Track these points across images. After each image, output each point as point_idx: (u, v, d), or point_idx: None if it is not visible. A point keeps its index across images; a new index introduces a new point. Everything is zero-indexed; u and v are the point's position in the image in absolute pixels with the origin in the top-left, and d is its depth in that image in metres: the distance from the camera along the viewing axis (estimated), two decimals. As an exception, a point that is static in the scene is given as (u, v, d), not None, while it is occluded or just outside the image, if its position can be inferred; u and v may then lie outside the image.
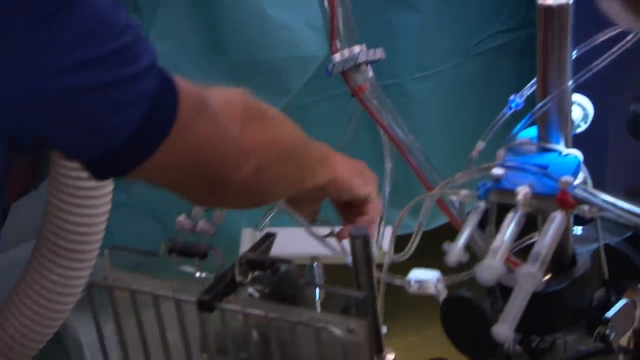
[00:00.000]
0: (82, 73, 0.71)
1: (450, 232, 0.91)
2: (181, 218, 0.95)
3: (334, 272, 1.20)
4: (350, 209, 1.07)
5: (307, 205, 1.07)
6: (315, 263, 1.27)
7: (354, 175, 1.01)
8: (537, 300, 0.90)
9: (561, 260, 0.95)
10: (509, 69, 1.62)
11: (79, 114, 0.73)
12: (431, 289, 0.99)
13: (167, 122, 0.78)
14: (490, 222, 0.89)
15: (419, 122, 1.53)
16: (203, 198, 0.92)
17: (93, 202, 1.07)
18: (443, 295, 0.97)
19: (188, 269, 0.93)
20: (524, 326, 0.91)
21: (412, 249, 1.05)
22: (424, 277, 1.00)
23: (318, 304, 1.21)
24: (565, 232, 0.94)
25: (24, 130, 0.74)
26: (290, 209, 1.14)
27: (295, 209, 1.08)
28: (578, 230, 1.00)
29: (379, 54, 1.13)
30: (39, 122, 0.73)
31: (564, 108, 0.92)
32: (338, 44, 1.12)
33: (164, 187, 0.87)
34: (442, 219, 1.06)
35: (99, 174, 0.80)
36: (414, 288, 1.00)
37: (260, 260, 0.88)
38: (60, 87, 0.71)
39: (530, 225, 0.92)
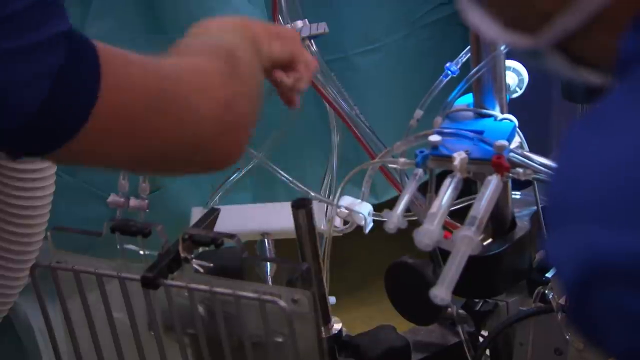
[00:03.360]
0: None
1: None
2: (112, 198, 0.95)
3: (286, 247, 1.20)
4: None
5: None
6: (266, 238, 1.27)
7: (270, 40, 0.88)
8: (479, 263, 0.92)
9: (501, 224, 0.97)
10: (455, 40, 1.63)
11: None
12: (359, 220, 1.00)
13: (90, 84, 0.68)
14: (430, 188, 0.90)
15: (366, 95, 1.53)
16: (174, 166, 0.82)
17: (36, 185, 1.07)
18: (368, 227, 0.98)
19: (132, 247, 0.93)
20: (467, 290, 0.93)
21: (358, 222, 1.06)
22: (355, 207, 1.01)
23: (269, 278, 1.22)
24: (504, 196, 0.95)
25: None
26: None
27: None
28: (517, 195, 1.02)
29: (322, 28, 1.14)
30: None
31: (497, 74, 0.93)
32: (280, 19, 1.13)
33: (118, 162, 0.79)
34: (395, 191, 1.07)
35: (22, 150, 0.71)
36: (342, 214, 1.01)
37: (204, 236, 0.88)
38: None
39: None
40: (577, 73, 0.56)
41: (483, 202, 0.81)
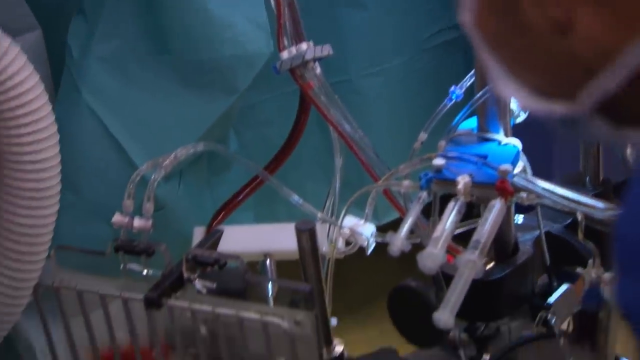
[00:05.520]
0: None
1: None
2: (116, 217, 0.95)
3: (287, 268, 1.20)
4: None
5: None
6: (268, 259, 1.27)
7: None
8: (481, 287, 0.92)
9: (504, 248, 0.97)
10: (459, 64, 1.63)
11: None
12: (362, 242, 1.00)
13: None
14: (433, 212, 0.90)
15: (370, 118, 1.53)
16: None
17: (40, 204, 1.07)
18: (370, 248, 0.99)
19: (136, 267, 0.93)
20: (469, 313, 0.93)
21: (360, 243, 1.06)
22: (358, 229, 1.01)
23: (271, 299, 1.22)
24: (507, 221, 0.96)
25: None
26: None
27: None
28: (520, 218, 1.02)
29: (326, 50, 1.14)
30: None
31: (502, 98, 0.94)
32: (285, 41, 1.13)
33: None
34: (397, 213, 1.08)
35: None
36: (345, 234, 1.02)
37: (207, 256, 0.89)
38: None
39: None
40: (622, 135, 0.52)
41: (486, 227, 0.82)
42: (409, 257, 0.90)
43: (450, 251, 0.88)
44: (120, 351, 0.90)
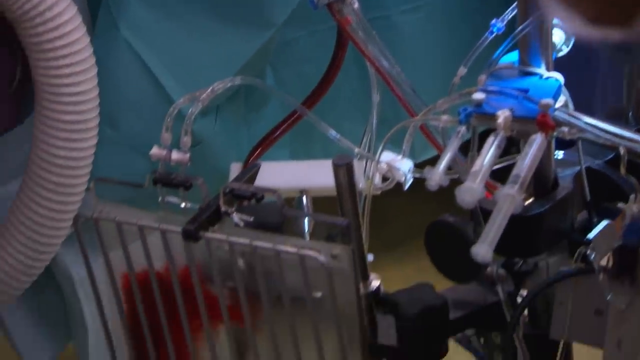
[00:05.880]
0: None
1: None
2: (154, 150, 0.95)
3: (323, 206, 1.20)
4: None
5: None
6: (304, 195, 1.28)
7: None
8: (520, 223, 0.91)
9: (543, 183, 0.96)
10: (500, -3, 1.61)
11: None
12: (399, 177, 0.99)
13: None
14: (472, 147, 0.89)
15: (408, 54, 1.52)
16: None
17: (79, 136, 1.07)
18: (408, 184, 0.98)
19: (173, 200, 0.94)
20: (507, 249, 0.93)
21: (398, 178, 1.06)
22: (396, 164, 1.00)
23: (307, 235, 1.22)
24: (547, 155, 0.94)
25: None
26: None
27: None
28: (560, 154, 1.00)
29: (364, -14, 1.13)
30: None
31: (544, 32, 0.92)
32: (323, -21, 1.11)
33: None
34: (434, 151, 1.07)
35: None
36: (382, 170, 1.01)
37: (245, 190, 0.89)
38: None
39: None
40: None
41: (527, 161, 0.80)
42: (446, 195, 0.89)
43: (488, 188, 0.87)
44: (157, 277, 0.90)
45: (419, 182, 1.05)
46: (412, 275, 1.01)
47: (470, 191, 0.79)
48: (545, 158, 0.92)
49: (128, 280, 0.92)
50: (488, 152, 0.83)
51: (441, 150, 1.01)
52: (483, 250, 0.75)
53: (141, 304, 0.92)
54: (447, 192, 0.86)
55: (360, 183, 1.13)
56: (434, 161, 0.86)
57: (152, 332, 0.93)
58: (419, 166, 1.00)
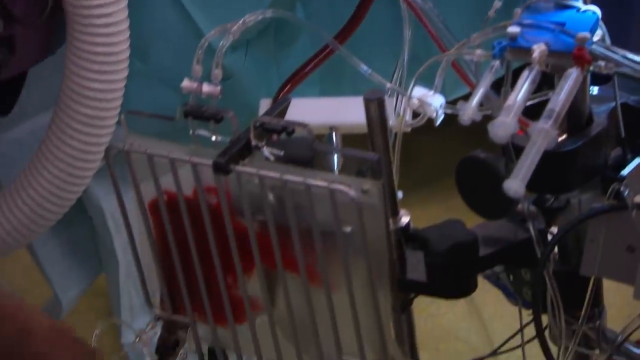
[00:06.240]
0: None
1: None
2: (185, 82, 0.95)
3: (352, 143, 1.20)
4: None
5: None
6: (333, 132, 1.27)
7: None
8: (553, 158, 0.90)
9: (578, 119, 0.94)
10: None
11: None
12: (430, 112, 0.98)
13: None
14: (506, 82, 0.88)
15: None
16: None
17: (110, 68, 1.07)
18: (439, 120, 0.97)
19: (204, 133, 0.93)
20: (539, 185, 0.92)
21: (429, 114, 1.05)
22: (428, 99, 0.99)
23: (336, 172, 1.22)
24: (583, 90, 0.93)
25: None
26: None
27: None
28: (595, 90, 0.99)
29: None
30: None
31: (582, -37, 0.90)
32: None
33: None
34: (465, 89, 1.06)
35: None
36: (413, 105, 1.00)
37: (275, 124, 0.88)
38: None
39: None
40: None
41: (562, 95, 0.79)
42: (476, 135, 0.89)
43: (521, 125, 0.86)
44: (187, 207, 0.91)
45: (447, 122, 1.04)
46: (440, 215, 1.01)
47: (504, 125, 0.78)
48: (580, 93, 0.90)
49: (158, 210, 0.92)
50: (522, 86, 0.82)
51: (473, 87, 0.99)
52: (515, 185, 0.75)
53: (171, 233, 0.93)
54: (476, 131, 0.85)
55: (391, 120, 1.13)
56: (465, 99, 0.85)
57: (182, 262, 0.94)
58: (451, 104, 0.99)
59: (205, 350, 0.99)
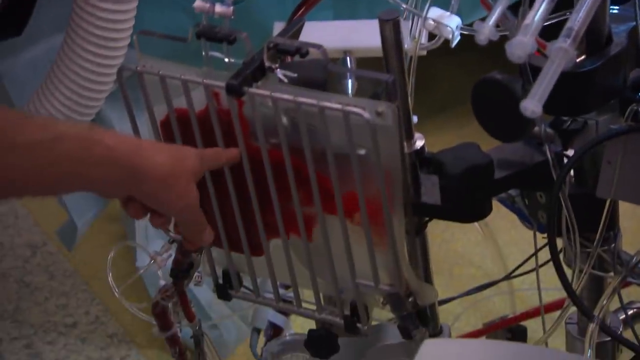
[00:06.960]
0: None
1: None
2: (197, 2, 0.93)
3: (367, 67, 1.18)
4: None
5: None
6: (348, 56, 1.25)
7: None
8: (571, 79, 0.89)
9: (597, 39, 0.93)
10: None
11: None
12: (447, 33, 0.97)
13: None
14: (523, 2, 0.86)
15: None
16: None
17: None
18: (455, 41, 0.95)
19: (217, 55, 0.92)
20: (556, 107, 0.91)
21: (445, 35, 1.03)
22: (444, 20, 0.98)
23: (350, 96, 1.21)
24: (602, 8, 0.91)
25: None
26: None
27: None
28: (615, 10, 0.97)
29: None
30: None
31: None
32: None
33: None
34: (482, 12, 1.04)
35: None
36: (429, 26, 0.98)
37: (289, 45, 0.87)
38: None
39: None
40: None
41: (581, 13, 0.78)
42: (493, 62, 0.87)
43: (538, 47, 0.84)
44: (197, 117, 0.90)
45: (463, 47, 1.02)
46: (454, 142, 1.00)
47: (521, 44, 0.77)
48: (599, 12, 0.88)
49: (170, 131, 0.92)
50: (540, 5, 0.80)
51: (490, 8, 0.97)
52: (532, 104, 0.73)
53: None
54: (492, 59, 0.83)
55: (406, 44, 1.11)
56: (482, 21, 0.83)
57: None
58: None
59: (219, 273, 0.99)
